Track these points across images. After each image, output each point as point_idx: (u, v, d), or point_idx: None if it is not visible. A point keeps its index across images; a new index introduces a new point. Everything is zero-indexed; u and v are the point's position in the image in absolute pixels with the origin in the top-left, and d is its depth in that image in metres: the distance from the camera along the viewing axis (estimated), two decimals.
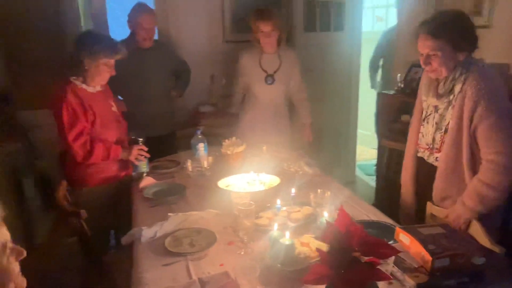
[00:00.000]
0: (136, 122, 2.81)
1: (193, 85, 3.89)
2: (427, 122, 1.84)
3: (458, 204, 1.69)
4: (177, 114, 3.84)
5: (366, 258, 1.04)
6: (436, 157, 1.81)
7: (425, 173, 1.88)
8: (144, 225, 1.71)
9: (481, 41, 2.62)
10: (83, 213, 1.76)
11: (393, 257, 1.19)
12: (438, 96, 1.77)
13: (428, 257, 1.18)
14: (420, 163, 1.91)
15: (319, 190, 1.69)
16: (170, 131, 3.17)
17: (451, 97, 1.73)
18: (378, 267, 1.10)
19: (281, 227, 1.48)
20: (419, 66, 1.84)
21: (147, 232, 1.63)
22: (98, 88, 2.24)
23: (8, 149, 3.03)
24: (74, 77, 2.14)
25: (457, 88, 1.70)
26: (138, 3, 2.81)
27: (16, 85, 3.52)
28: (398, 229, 1.33)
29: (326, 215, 1.55)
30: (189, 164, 2.22)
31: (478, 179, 1.64)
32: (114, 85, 2.57)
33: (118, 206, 2.27)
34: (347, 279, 0.97)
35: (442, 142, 1.77)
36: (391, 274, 1.22)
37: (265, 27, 2.66)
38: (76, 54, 2.11)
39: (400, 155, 2.33)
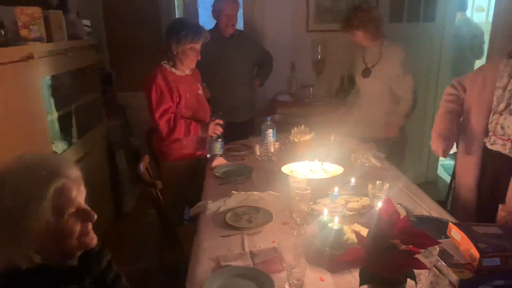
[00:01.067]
0: (219, 108, 3.03)
1: (274, 74, 4.01)
2: (510, 113, 1.72)
3: None
4: (256, 101, 4.01)
5: (405, 247, 1.07)
6: None
7: (498, 168, 1.79)
8: (211, 200, 1.87)
9: None
10: (159, 184, 1.97)
11: (437, 250, 1.18)
12: None
13: (477, 255, 1.15)
14: (494, 158, 1.80)
15: (378, 182, 1.70)
16: (250, 117, 3.33)
17: None
18: (421, 258, 1.11)
19: (332, 213, 1.52)
20: None
21: (212, 206, 1.79)
22: (187, 71, 2.47)
23: (108, 125, 3.44)
24: (165, 61, 2.40)
25: None
26: None
27: (117, 68, 3.97)
28: (450, 224, 1.30)
29: (379, 205, 1.55)
30: (257, 149, 2.35)
31: None
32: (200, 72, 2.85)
33: (194, 182, 2.49)
34: (382, 264, 1.01)
35: None
36: (436, 266, 1.21)
37: (346, 26, 2.77)
38: (166, 40, 2.37)
39: None
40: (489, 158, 1.82)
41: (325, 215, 1.50)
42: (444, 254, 1.24)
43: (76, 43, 2.81)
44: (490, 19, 4.02)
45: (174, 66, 2.42)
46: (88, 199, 1.06)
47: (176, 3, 4.07)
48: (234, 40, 3.02)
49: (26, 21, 2.28)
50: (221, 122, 2.47)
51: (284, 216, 1.72)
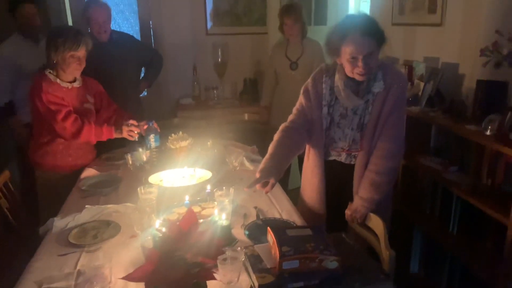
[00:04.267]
0: None
1: (177, 77, 4.00)
2: (338, 127, 1.84)
3: (355, 199, 1.80)
4: (158, 104, 3.95)
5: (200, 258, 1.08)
6: (354, 155, 1.83)
7: (336, 174, 1.90)
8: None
9: (434, 39, 2.56)
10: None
11: (242, 256, 1.22)
12: (361, 97, 1.77)
13: (278, 258, 1.20)
14: (331, 166, 1.91)
15: (224, 187, 1.72)
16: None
17: (369, 95, 1.76)
18: (225, 266, 1.14)
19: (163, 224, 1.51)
20: None
21: (59, 223, 1.72)
22: (76, 84, 2.35)
23: None
24: (49, 70, 2.27)
25: (379, 85, 1.75)
26: None
27: None
28: (268, 229, 1.35)
29: (223, 217, 1.57)
30: (128, 157, 2.28)
31: (369, 171, 1.77)
32: None
33: None
34: (165, 278, 1.01)
35: (362, 140, 1.80)
36: (247, 270, 1.26)
37: (288, 20, 3.10)
38: (46, 50, 2.23)
39: None
40: (328, 166, 1.90)
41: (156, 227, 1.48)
42: (254, 259, 1.28)
43: None
44: None
45: (58, 76, 2.28)
46: None
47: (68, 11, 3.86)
48: (112, 44, 2.93)
49: None
50: (135, 123, 2.40)
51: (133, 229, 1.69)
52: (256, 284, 1.18)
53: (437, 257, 2.33)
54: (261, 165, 1.79)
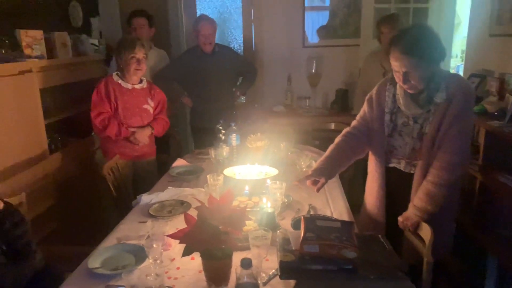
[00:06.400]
0: (202, 116, 3.41)
1: (272, 86, 4.32)
2: (400, 134, 1.87)
3: (410, 207, 1.81)
4: (253, 110, 4.31)
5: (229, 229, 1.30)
6: (414, 164, 1.85)
7: (395, 182, 1.92)
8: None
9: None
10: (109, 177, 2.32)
11: (269, 238, 1.39)
12: (421, 106, 1.80)
13: (301, 241, 1.34)
14: (391, 173, 1.94)
15: (278, 182, 1.91)
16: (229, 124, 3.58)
17: (431, 105, 1.79)
18: (255, 241, 1.34)
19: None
20: None
21: (146, 198, 2.10)
22: (137, 86, 2.73)
23: None
24: (117, 72, 2.74)
25: (441, 96, 1.76)
26: (201, 14, 3.34)
27: None
28: (302, 218, 1.49)
29: (269, 205, 1.75)
30: (212, 152, 2.61)
31: (426, 181, 1.77)
32: (183, 83, 3.36)
33: (136, 183, 2.77)
34: (198, 239, 1.25)
35: (421, 149, 1.82)
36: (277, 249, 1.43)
37: (385, 29, 3.12)
38: (114, 57, 2.73)
39: None
40: (388, 173, 1.93)
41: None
42: (285, 242, 1.44)
43: (80, 59, 3.27)
44: None
45: (123, 78, 2.70)
46: None
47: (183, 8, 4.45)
48: (214, 55, 3.34)
49: (29, 41, 2.77)
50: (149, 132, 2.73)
51: None
52: (279, 260, 1.35)
53: None
54: (315, 165, 1.94)
